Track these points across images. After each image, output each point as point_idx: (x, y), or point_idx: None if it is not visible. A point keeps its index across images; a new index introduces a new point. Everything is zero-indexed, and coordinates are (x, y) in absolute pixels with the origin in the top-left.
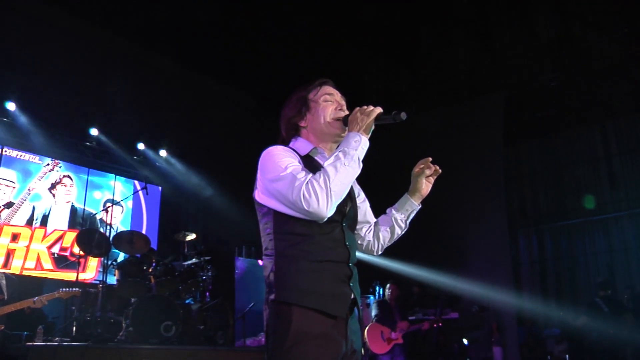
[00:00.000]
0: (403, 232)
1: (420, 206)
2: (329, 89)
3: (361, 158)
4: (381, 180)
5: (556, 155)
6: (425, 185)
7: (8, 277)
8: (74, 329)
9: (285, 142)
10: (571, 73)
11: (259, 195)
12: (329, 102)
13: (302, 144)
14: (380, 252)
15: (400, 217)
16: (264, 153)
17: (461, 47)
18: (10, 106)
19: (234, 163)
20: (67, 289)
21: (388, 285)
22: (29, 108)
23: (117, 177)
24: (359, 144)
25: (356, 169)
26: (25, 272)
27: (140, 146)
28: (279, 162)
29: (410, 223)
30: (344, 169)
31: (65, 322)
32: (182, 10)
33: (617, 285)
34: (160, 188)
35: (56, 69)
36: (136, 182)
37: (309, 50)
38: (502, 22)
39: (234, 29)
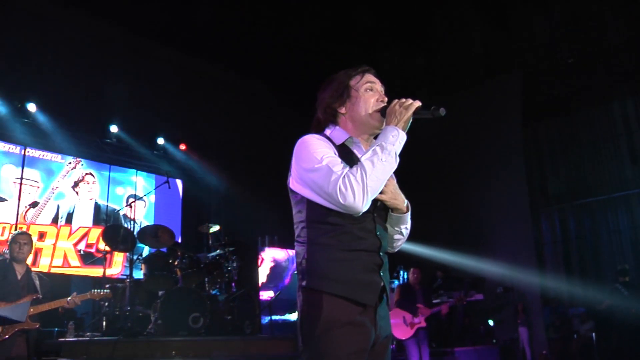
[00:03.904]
0: (407, 235)
1: (409, 211)
2: (371, 77)
3: (398, 153)
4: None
5: (576, 133)
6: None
7: (41, 277)
8: (104, 323)
9: (322, 126)
10: (588, 49)
11: (293, 184)
12: (370, 92)
13: (339, 133)
14: (395, 250)
15: (395, 230)
16: (300, 141)
17: (476, 28)
18: (31, 107)
19: (253, 153)
20: (99, 290)
21: (411, 269)
22: (49, 108)
23: (139, 172)
24: (397, 139)
25: (393, 164)
26: (53, 270)
27: (160, 141)
28: (315, 152)
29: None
30: (380, 164)
31: (95, 318)
32: (197, 5)
33: None
34: (181, 181)
35: (74, 68)
36: (157, 176)
37: (323, 37)
38: (517, 1)
39: (248, 20)
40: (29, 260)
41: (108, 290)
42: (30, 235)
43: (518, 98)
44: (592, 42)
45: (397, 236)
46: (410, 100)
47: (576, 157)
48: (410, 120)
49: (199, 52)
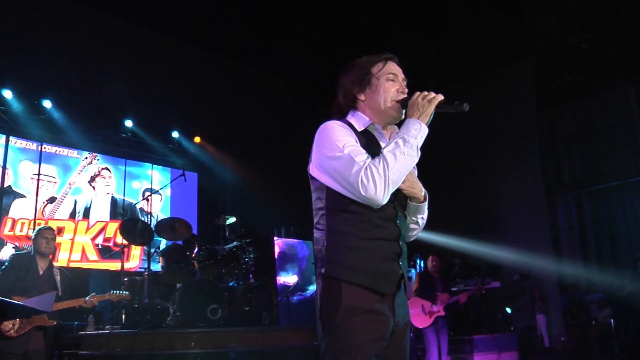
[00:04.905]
0: (424, 225)
1: (426, 200)
2: (394, 67)
3: (419, 146)
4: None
5: (590, 119)
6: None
7: (62, 271)
8: (123, 316)
9: (342, 111)
10: (602, 33)
11: (313, 170)
12: (391, 81)
13: (359, 119)
14: (410, 239)
15: (412, 220)
16: (321, 128)
17: (488, 15)
18: (47, 104)
19: (268, 144)
20: (117, 292)
21: (430, 257)
22: (64, 104)
23: (154, 166)
24: (419, 132)
25: (415, 157)
26: (71, 265)
27: (175, 134)
28: (337, 139)
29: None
30: (402, 157)
31: (114, 311)
32: None
33: None
34: (196, 174)
35: (89, 64)
36: (172, 169)
37: (334, 26)
38: None
39: (259, 12)
40: None
41: (127, 292)
42: (54, 231)
43: (532, 84)
44: (606, 26)
45: (413, 225)
46: (433, 94)
47: (591, 142)
48: (433, 114)
49: (212, 46)
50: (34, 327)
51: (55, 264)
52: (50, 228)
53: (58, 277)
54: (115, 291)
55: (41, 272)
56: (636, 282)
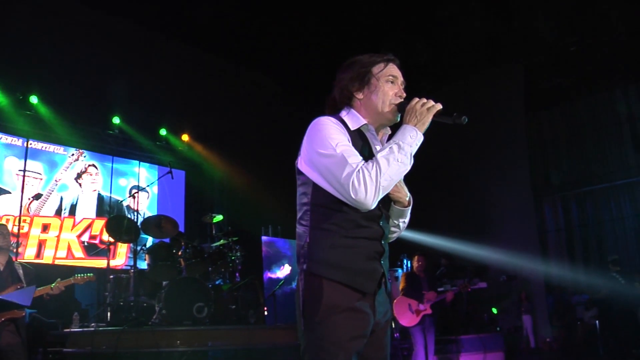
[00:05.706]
0: (404, 229)
1: (410, 205)
2: (394, 69)
3: (413, 154)
4: None
5: (579, 121)
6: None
7: (24, 266)
8: (109, 314)
9: (337, 107)
10: (591, 37)
11: (302, 164)
12: (390, 84)
13: (353, 118)
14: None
15: (394, 223)
16: (314, 122)
17: (478, 17)
18: (33, 99)
19: (256, 143)
20: (82, 275)
21: (416, 257)
22: (51, 100)
23: (141, 163)
24: (414, 140)
25: (407, 165)
26: (57, 262)
27: (162, 132)
28: (330, 137)
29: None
30: (395, 164)
31: (100, 308)
32: None
33: None
34: (183, 172)
35: (76, 60)
36: (159, 167)
37: (325, 28)
38: None
39: (248, 11)
40: (33, 252)
41: (91, 274)
42: (7, 226)
43: (520, 86)
44: (595, 29)
45: (393, 229)
46: (431, 102)
47: (579, 144)
48: (429, 123)
49: (201, 43)
50: (5, 321)
51: (40, 261)
52: (3, 224)
53: (21, 272)
54: (79, 274)
55: (2, 268)
56: (613, 284)
